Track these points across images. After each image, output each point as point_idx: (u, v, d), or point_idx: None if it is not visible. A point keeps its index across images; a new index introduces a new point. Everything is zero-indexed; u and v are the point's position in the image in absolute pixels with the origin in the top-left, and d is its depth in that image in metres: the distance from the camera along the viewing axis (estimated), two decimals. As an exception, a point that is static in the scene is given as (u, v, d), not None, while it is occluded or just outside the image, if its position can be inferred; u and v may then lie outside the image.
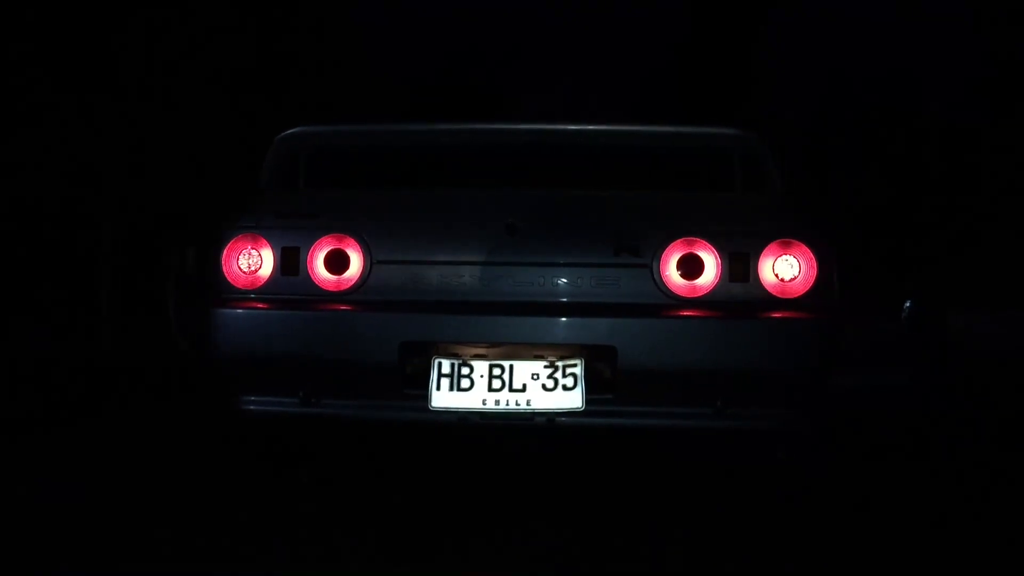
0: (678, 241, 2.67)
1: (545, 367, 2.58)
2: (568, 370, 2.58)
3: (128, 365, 7.24)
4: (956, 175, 19.26)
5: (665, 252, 2.67)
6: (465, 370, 2.58)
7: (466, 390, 2.57)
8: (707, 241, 2.67)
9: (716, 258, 2.66)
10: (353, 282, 2.71)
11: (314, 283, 2.72)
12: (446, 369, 2.59)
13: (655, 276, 2.67)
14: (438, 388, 2.58)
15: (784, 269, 2.65)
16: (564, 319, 2.62)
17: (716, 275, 2.66)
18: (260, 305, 2.72)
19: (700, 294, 2.66)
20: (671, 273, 2.67)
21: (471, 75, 20.18)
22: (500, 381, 2.58)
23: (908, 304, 9.31)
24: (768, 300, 2.66)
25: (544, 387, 2.57)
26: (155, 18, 9.62)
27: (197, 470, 3.36)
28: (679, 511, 2.84)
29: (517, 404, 2.56)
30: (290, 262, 2.72)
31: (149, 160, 9.72)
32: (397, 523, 2.65)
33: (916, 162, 19.79)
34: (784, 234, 2.67)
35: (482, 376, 2.58)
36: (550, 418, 2.59)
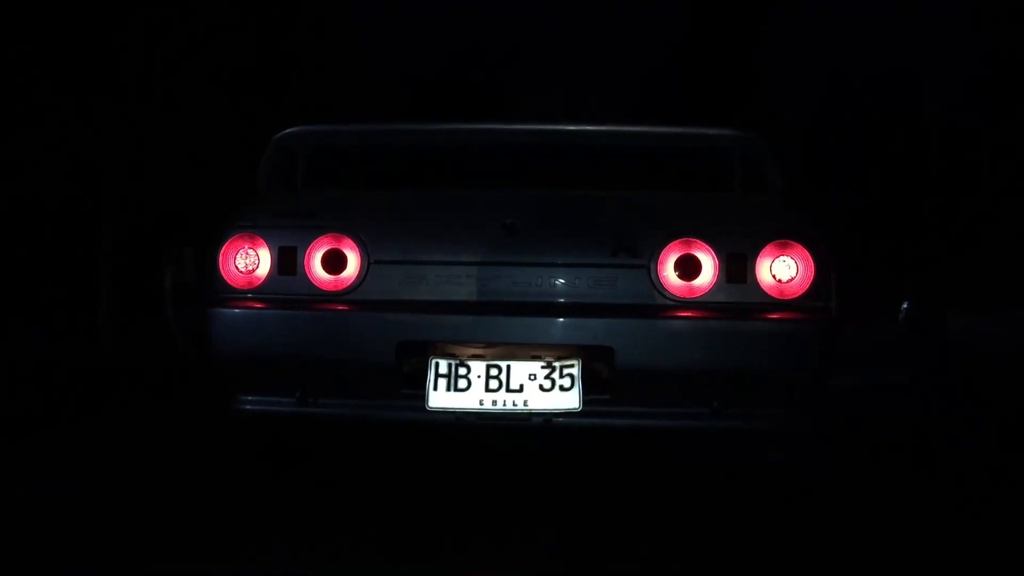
0: (676, 242, 2.66)
1: (542, 367, 2.58)
2: (565, 370, 2.57)
3: (128, 365, 7.25)
4: (956, 175, 19.26)
5: (663, 253, 2.66)
6: (462, 370, 2.58)
7: (463, 390, 2.57)
8: (704, 242, 2.66)
9: (713, 259, 2.66)
10: (350, 282, 2.70)
11: (311, 283, 2.71)
12: (443, 369, 2.58)
13: (652, 277, 2.66)
14: (435, 388, 2.57)
15: (781, 270, 2.65)
16: (561, 319, 2.62)
17: (713, 276, 2.65)
18: (257, 305, 2.71)
19: (697, 295, 2.65)
20: (668, 274, 2.66)
21: (471, 75, 20.21)
22: (497, 381, 2.57)
23: (906, 305, 9.33)
24: (766, 301, 2.65)
25: (541, 387, 2.57)
26: (155, 18, 9.62)
27: (197, 470, 3.36)
28: (679, 511, 2.84)
29: (514, 404, 2.56)
30: (287, 262, 2.71)
31: (149, 160, 9.73)
32: (397, 523, 2.65)
33: (916, 162, 19.79)
34: (781, 235, 2.66)
35: (479, 376, 2.57)
36: (547, 419, 2.59)
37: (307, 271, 2.71)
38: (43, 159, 9.28)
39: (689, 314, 2.64)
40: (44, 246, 9.92)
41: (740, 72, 16.69)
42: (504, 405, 2.56)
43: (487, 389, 2.56)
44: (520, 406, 2.56)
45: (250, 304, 2.71)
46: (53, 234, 9.92)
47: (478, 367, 2.58)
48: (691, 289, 2.66)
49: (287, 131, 3.09)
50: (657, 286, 2.66)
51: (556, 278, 2.67)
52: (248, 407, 2.76)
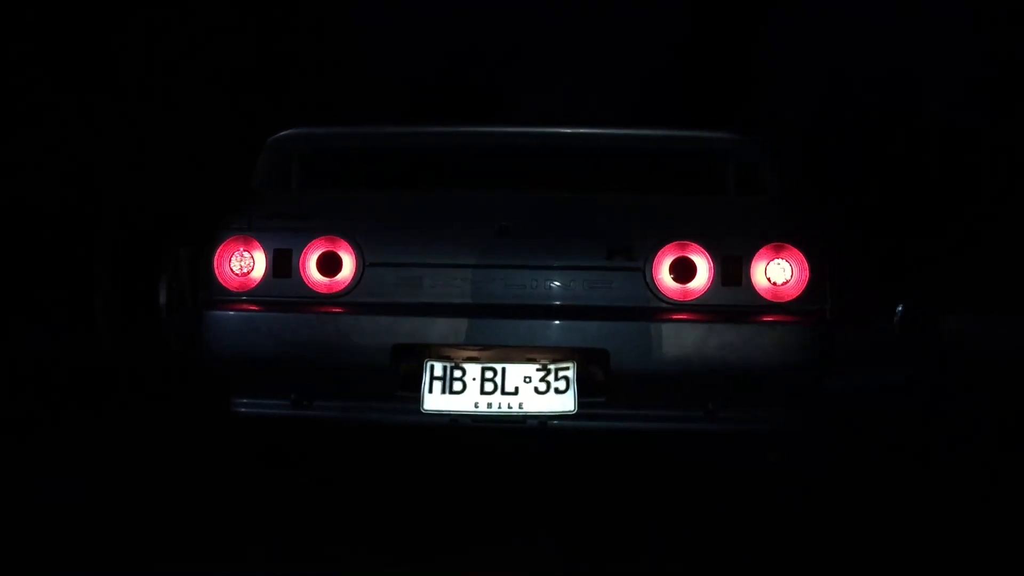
0: (671, 244, 2.67)
1: (537, 370, 2.59)
2: (560, 373, 2.58)
3: (127, 365, 7.26)
4: (956, 175, 19.25)
5: (658, 255, 2.66)
6: (457, 373, 2.59)
7: (458, 393, 2.58)
8: (700, 245, 2.67)
9: (708, 262, 2.66)
10: (346, 284, 2.71)
11: (306, 285, 2.71)
12: (438, 372, 2.59)
13: (648, 279, 2.66)
14: (430, 391, 2.58)
15: (776, 273, 2.66)
16: (556, 322, 2.63)
17: (708, 279, 2.66)
18: (252, 307, 2.71)
19: (692, 298, 2.66)
20: (664, 276, 2.66)
21: (471, 75, 20.18)
22: (492, 384, 2.58)
23: (900, 308, 9.34)
24: (760, 304, 2.66)
25: (536, 390, 2.57)
26: (155, 18, 9.62)
27: (196, 470, 3.37)
28: (679, 511, 2.85)
29: (509, 407, 2.56)
30: (282, 264, 2.71)
31: (149, 160, 9.73)
32: (397, 523, 2.66)
33: (916, 162, 19.77)
34: (776, 238, 2.67)
35: (474, 379, 2.58)
36: (542, 421, 2.60)
37: (302, 273, 2.71)
38: (43, 159, 9.28)
39: (684, 317, 2.64)
40: (44, 246, 9.93)
41: (740, 72, 16.69)
42: (499, 408, 2.57)
43: (482, 392, 2.57)
44: (515, 409, 2.57)
45: (245, 307, 2.72)
46: (53, 234, 9.93)
47: (473, 369, 2.59)
48: (686, 292, 2.67)
49: (282, 133, 3.08)
50: (652, 289, 2.67)
51: (551, 281, 2.68)
52: (243, 409, 2.77)
